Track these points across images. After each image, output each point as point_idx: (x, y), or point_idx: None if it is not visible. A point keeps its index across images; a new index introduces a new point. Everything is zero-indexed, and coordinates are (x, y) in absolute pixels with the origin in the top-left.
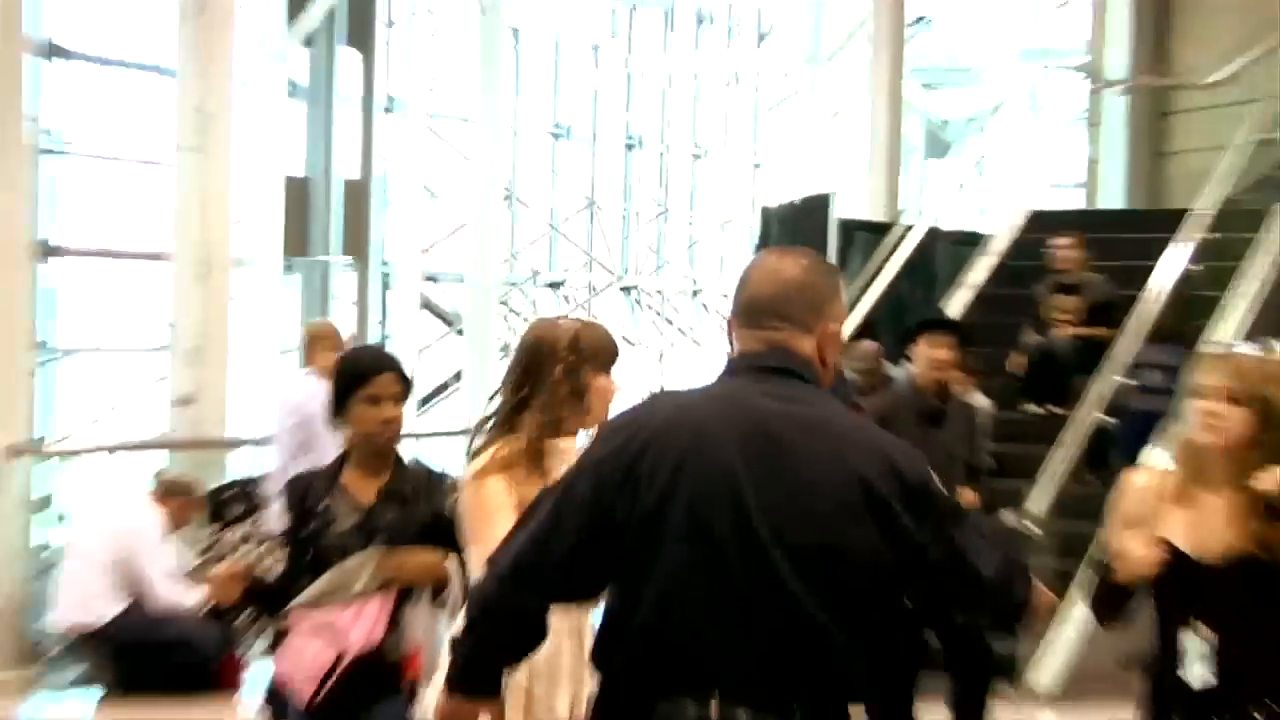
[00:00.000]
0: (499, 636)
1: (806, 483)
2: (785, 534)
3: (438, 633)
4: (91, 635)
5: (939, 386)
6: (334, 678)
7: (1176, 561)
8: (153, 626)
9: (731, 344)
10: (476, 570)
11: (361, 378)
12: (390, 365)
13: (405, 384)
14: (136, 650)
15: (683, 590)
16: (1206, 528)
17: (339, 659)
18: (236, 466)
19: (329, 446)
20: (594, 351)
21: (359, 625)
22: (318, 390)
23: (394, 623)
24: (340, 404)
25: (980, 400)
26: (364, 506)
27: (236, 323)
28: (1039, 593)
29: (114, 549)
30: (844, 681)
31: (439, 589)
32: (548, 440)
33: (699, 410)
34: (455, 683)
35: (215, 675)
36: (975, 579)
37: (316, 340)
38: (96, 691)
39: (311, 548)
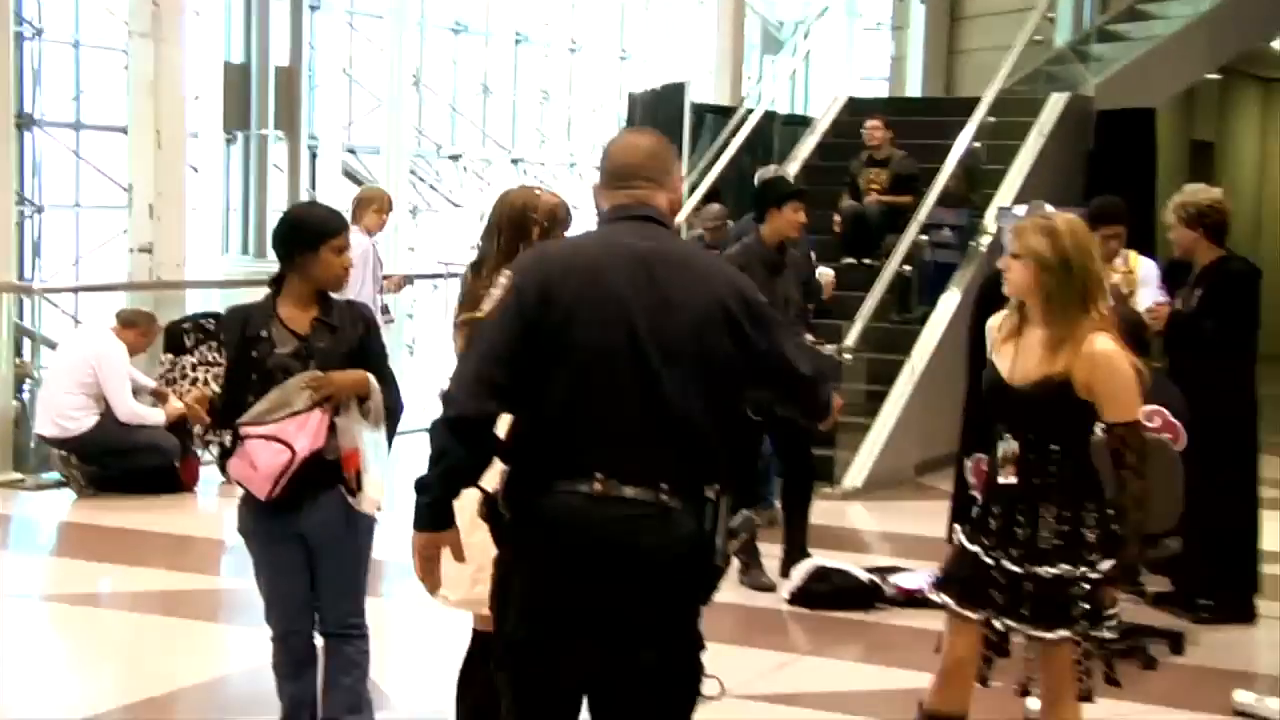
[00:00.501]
0: (470, 449)
1: (679, 304)
2: (664, 346)
3: (365, 437)
4: (68, 443)
5: (780, 242)
6: (287, 477)
7: (995, 382)
8: (120, 435)
9: (599, 205)
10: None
11: (334, 232)
12: (345, 221)
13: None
14: (106, 455)
15: (582, 392)
16: (1023, 357)
17: (290, 462)
18: (192, 305)
19: (370, 291)
20: (562, 220)
21: (304, 434)
22: (361, 242)
23: (331, 429)
24: (307, 251)
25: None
26: (300, 334)
27: (188, 185)
28: (835, 397)
29: (84, 371)
30: (704, 465)
31: (364, 401)
32: None
33: (591, 248)
34: (427, 520)
35: (175, 476)
36: (794, 373)
37: (366, 202)
38: (73, 491)
39: (256, 370)
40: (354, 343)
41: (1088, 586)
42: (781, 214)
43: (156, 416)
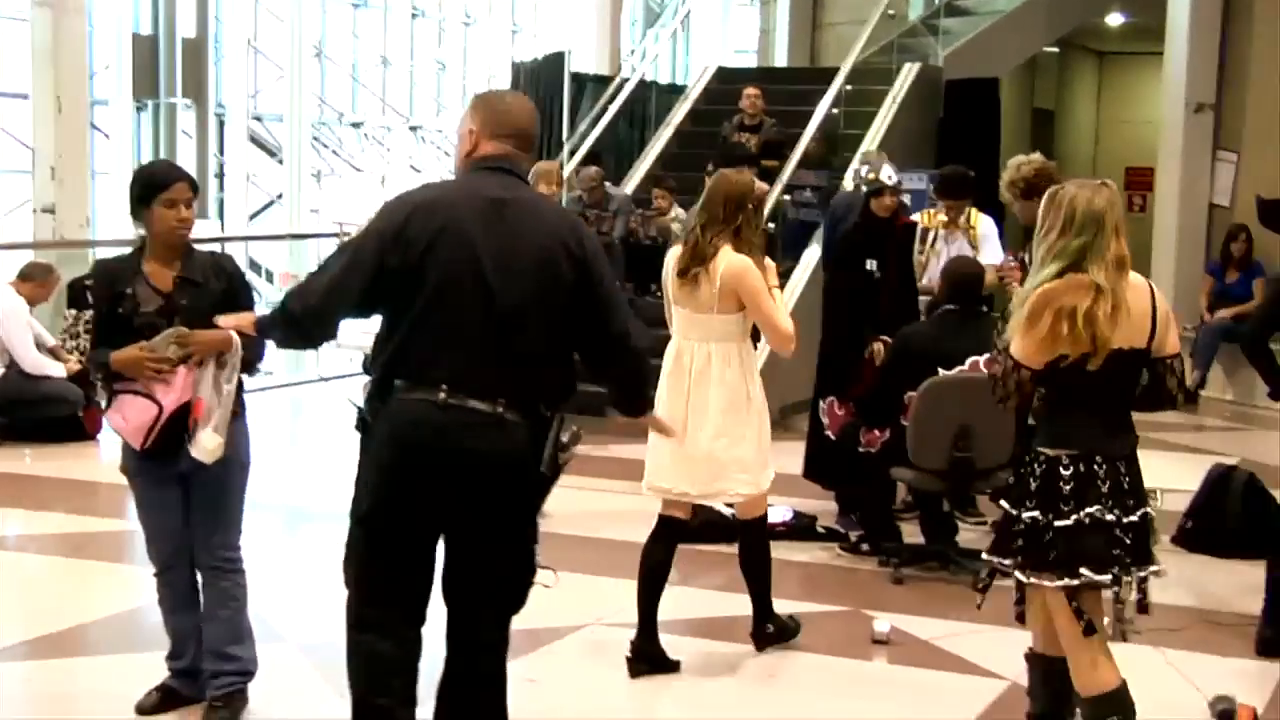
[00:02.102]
0: (297, 338)
1: (525, 242)
2: (508, 279)
3: (222, 388)
4: None
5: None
6: (156, 430)
7: None
8: (25, 387)
9: (472, 147)
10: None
11: (161, 185)
12: (183, 175)
13: (194, 190)
14: (12, 406)
15: (435, 318)
16: None
17: (158, 417)
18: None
19: None
20: (761, 201)
21: (170, 390)
22: None
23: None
24: (142, 206)
25: (678, 211)
26: (164, 291)
27: (99, 149)
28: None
29: None
30: (537, 386)
31: (222, 355)
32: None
33: (450, 194)
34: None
35: (80, 425)
36: (620, 326)
37: (540, 175)
38: None
39: (124, 327)
40: (217, 296)
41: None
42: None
43: (58, 369)
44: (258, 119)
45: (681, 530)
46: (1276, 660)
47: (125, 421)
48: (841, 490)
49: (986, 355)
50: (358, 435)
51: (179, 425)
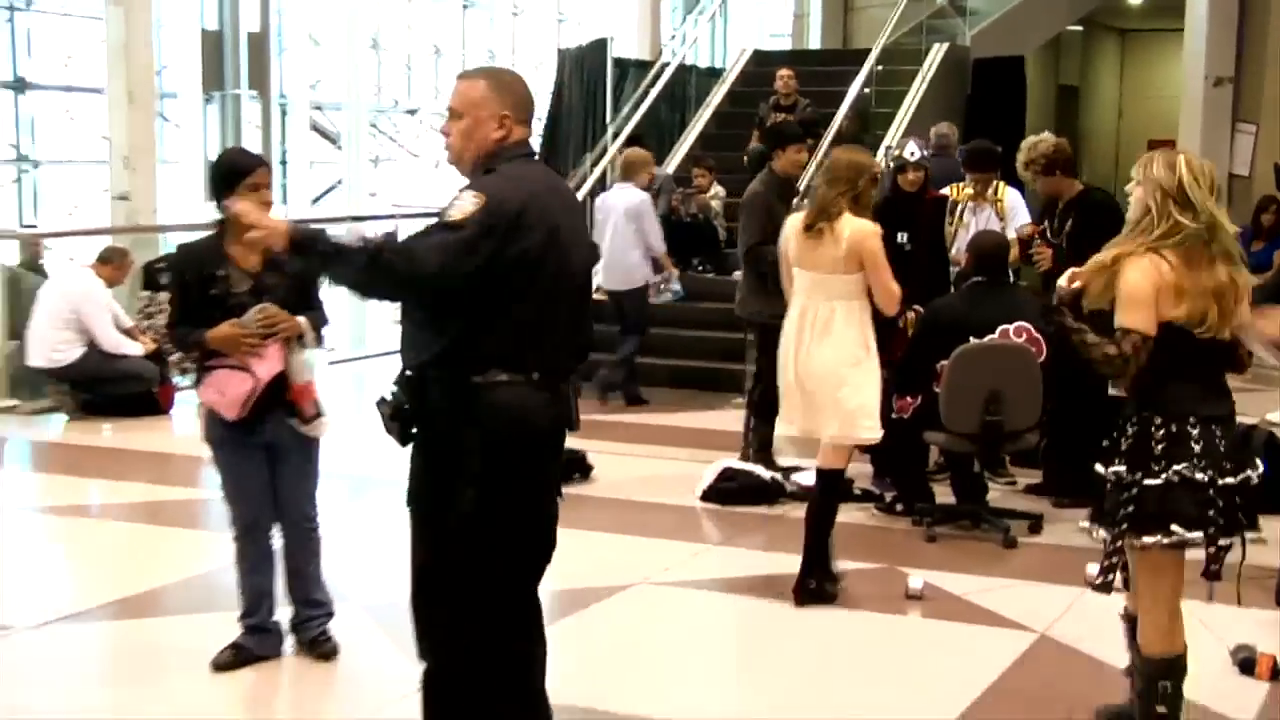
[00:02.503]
0: (389, 291)
1: (582, 237)
2: (580, 272)
3: (312, 368)
4: (57, 373)
5: (792, 176)
6: (252, 400)
7: None
8: (104, 365)
9: (505, 136)
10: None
11: (245, 171)
12: (262, 160)
13: (271, 174)
14: (93, 383)
15: (546, 309)
16: None
17: (254, 388)
18: (167, 246)
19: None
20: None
21: (263, 364)
22: (633, 196)
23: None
24: (228, 192)
25: (717, 189)
26: (253, 273)
27: (170, 139)
28: None
29: (67, 308)
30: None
31: (301, 338)
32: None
33: (541, 185)
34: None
35: (155, 400)
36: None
37: (641, 163)
38: (63, 416)
39: (218, 307)
40: (297, 275)
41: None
42: (785, 154)
43: (135, 348)
44: (318, 108)
45: (838, 478)
46: None
47: (222, 394)
48: (877, 454)
49: (1016, 323)
50: (399, 427)
51: (266, 398)
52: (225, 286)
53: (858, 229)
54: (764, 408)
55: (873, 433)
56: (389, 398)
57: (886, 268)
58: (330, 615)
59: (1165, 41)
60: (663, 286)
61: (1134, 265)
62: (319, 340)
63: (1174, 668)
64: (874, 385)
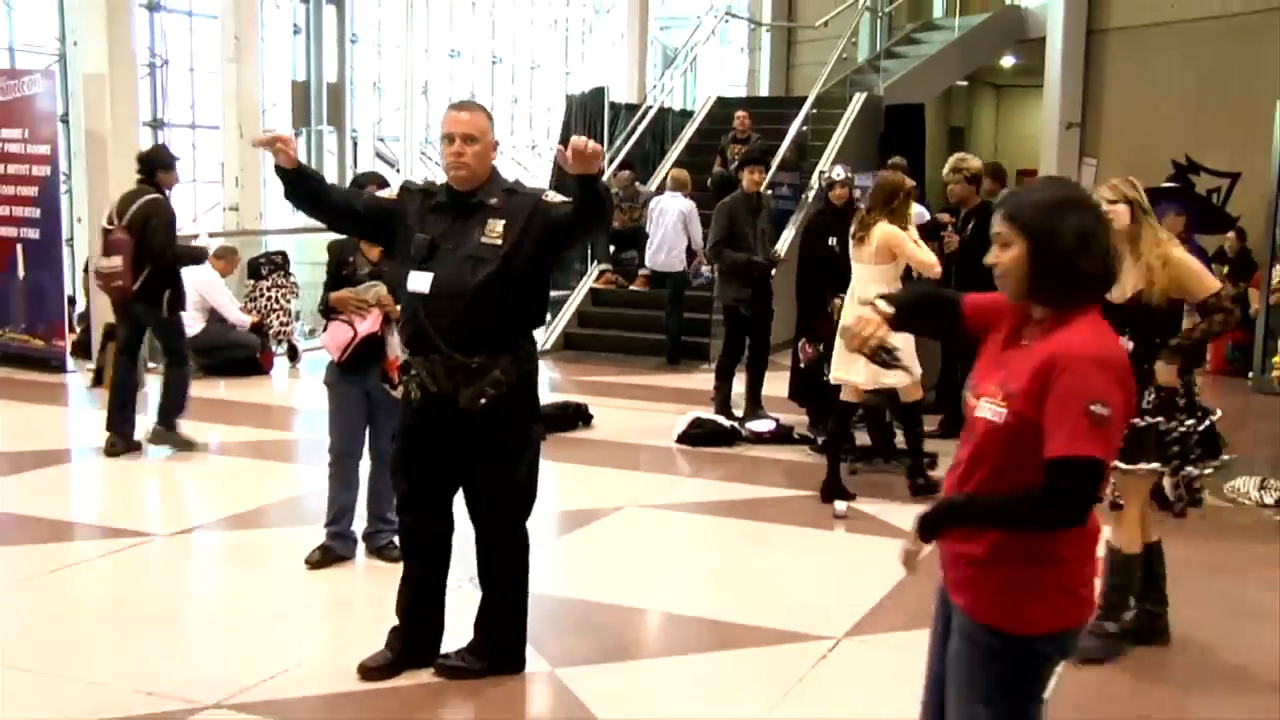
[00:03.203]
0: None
1: None
2: None
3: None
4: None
5: (756, 193)
6: (351, 348)
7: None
8: (219, 335)
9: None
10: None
11: (366, 184)
12: (378, 177)
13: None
14: (211, 350)
15: None
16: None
17: (353, 338)
18: (270, 245)
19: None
20: (912, 189)
21: (364, 322)
22: (682, 204)
23: (387, 328)
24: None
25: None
26: (374, 261)
27: (269, 164)
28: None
29: (195, 292)
30: None
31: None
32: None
33: None
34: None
35: (257, 364)
36: None
37: (683, 180)
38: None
39: (347, 283)
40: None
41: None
42: (748, 175)
43: (246, 320)
44: (381, 139)
45: (852, 410)
46: None
47: (331, 338)
48: (812, 406)
49: None
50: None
51: (369, 352)
52: (353, 269)
53: (885, 232)
54: (725, 372)
55: (899, 381)
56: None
57: (913, 248)
58: (395, 529)
59: (1029, 94)
60: (699, 271)
61: (1177, 248)
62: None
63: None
64: (903, 344)
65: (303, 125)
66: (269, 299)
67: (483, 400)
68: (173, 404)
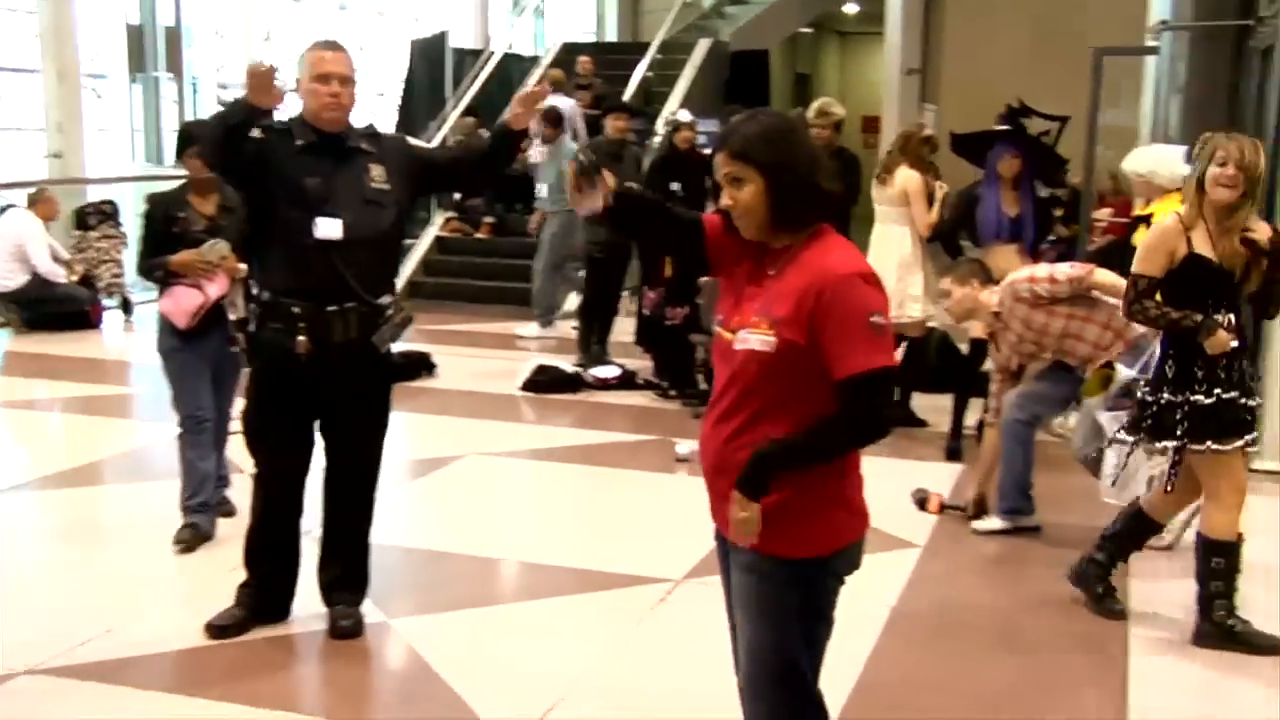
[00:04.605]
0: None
1: None
2: None
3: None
4: (5, 295)
5: (619, 139)
6: (201, 313)
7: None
8: (44, 289)
9: None
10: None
11: (195, 139)
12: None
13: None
14: (35, 303)
15: None
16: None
17: (204, 303)
18: (93, 196)
19: None
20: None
21: (213, 285)
22: None
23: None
24: (180, 155)
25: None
26: (209, 215)
27: (103, 111)
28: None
29: (11, 243)
30: None
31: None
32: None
33: None
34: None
35: (87, 318)
36: None
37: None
38: (11, 331)
39: (180, 240)
40: (243, 221)
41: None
42: (611, 121)
43: (59, 275)
44: (223, 86)
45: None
46: (956, 463)
47: (176, 305)
48: (656, 352)
49: None
50: None
51: (211, 316)
52: (184, 225)
53: (905, 176)
54: (587, 313)
55: (919, 311)
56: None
57: (919, 204)
58: (227, 484)
59: (872, 41)
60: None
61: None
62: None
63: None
64: (919, 280)
65: (139, 71)
66: (99, 250)
67: (392, 341)
68: None
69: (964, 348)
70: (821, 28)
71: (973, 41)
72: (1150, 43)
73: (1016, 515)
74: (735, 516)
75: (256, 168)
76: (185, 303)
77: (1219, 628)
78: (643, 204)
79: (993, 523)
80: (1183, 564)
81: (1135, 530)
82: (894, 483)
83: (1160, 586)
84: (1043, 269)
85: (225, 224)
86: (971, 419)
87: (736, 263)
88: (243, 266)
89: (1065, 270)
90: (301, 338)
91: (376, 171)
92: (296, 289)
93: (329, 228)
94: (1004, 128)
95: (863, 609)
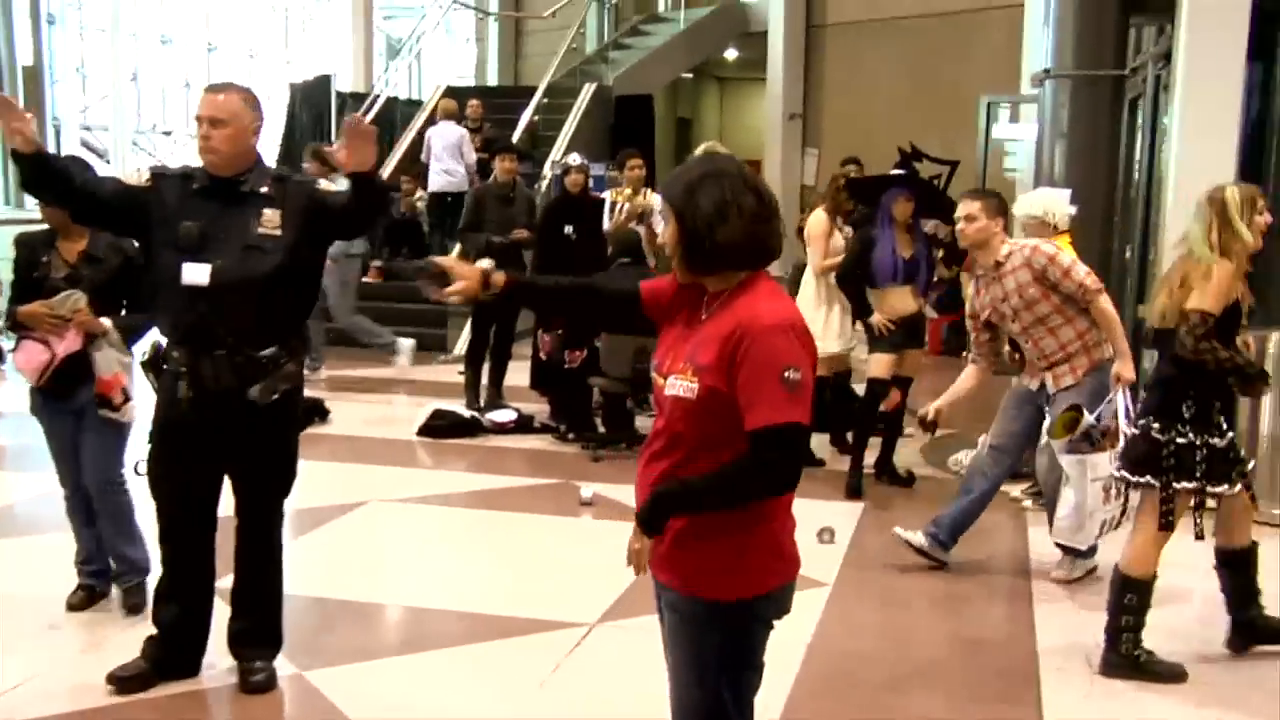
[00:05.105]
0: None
1: None
2: None
3: (122, 362)
4: None
5: (509, 181)
6: (50, 370)
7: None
8: None
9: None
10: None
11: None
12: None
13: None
14: None
15: None
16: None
17: (51, 360)
18: None
19: None
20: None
21: (62, 342)
22: None
23: (89, 342)
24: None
25: (421, 193)
26: (71, 263)
27: None
28: None
29: None
30: None
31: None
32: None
33: None
34: None
35: None
36: None
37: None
38: None
39: (39, 288)
40: (115, 270)
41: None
42: (498, 163)
43: None
44: (87, 128)
45: (884, 388)
46: (856, 501)
47: (25, 360)
48: (553, 395)
49: None
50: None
51: (73, 371)
52: (45, 272)
53: (811, 220)
54: (473, 359)
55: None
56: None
57: (816, 245)
58: (145, 573)
59: (753, 86)
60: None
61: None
62: (123, 343)
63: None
64: (819, 317)
65: None
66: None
67: (274, 395)
68: None
69: (859, 389)
70: (702, 73)
71: (853, 87)
72: (1032, 90)
73: (937, 547)
74: (630, 547)
75: (126, 216)
76: (32, 358)
77: (1125, 659)
78: (556, 293)
79: (916, 537)
80: (1089, 590)
81: (1135, 596)
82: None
83: (1067, 615)
84: (1066, 257)
85: (86, 273)
86: (870, 458)
87: (678, 312)
88: (105, 321)
89: (1082, 273)
90: (182, 383)
91: (269, 216)
92: (172, 336)
93: (194, 273)
94: (898, 172)
95: (780, 648)
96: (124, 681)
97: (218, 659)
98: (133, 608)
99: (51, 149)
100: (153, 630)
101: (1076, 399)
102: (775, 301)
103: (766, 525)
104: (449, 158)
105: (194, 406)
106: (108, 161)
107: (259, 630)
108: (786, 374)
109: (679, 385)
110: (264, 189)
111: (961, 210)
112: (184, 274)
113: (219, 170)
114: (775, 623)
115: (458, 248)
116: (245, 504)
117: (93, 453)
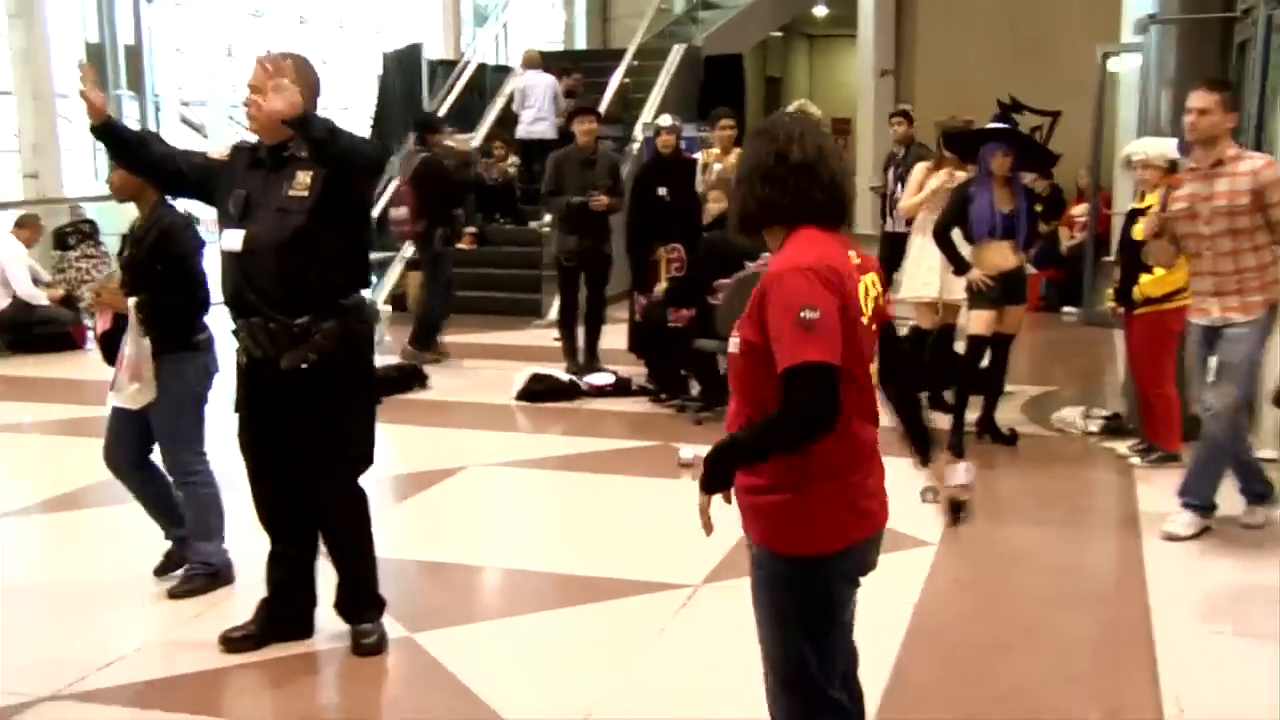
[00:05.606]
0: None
1: None
2: None
3: (139, 342)
4: None
5: (590, 145)
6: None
7: None
8: (27, 311)
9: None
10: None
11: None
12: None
13: None
14: (18, 326)
15: None
16: None
17: (97, 336)
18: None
19: None
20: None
21: (100, 320)
22: None
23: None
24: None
25: (513, 158)
26: (128, 239)
27: (65, 130)
28: None
29: None
30: None
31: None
32: None
33: None
34: None
35: (70, 339)
36: None
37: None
38: None
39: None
40: (148, 249)
41: None
42: (577, 126)
43: (41, 298)
44: (186, 104)
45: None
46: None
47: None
48: (650, 358)
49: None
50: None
51: (113, 354)
52: (121, 248)
53: (916, 167)
54: (565, 322)
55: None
56: None
57: (911, 189)
58: (212, 571)
59: (843, 44)
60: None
61: None
62: (142, 327)
63: None
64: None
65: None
66: (79, 270)
67: (304, 365)
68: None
69: (960, 346)
70: (791, 31)
71: (947, 42)
72: (1136, 38)
73: (1257, 500)
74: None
75: (200, 186)
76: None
77: None
78: None
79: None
80: (1200, 546)
81: None
82: (900, 481)
83: (1179, 573)
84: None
85: (126, 254)
86: (972, 415)
87: None
88: (130, 301)
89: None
90: (238, 349)
91: (301, 178)
92: (227, 301)
93: (231, 239)
94: (996, 125)
95: (885, 609)
96: (234, 642)
97: (332, 622)
98: (176, 593)
99: (153, 127)
100: (260, 594)
101: (1250, 340)
102: (798, 248)
103: (838, 480)
104: (542, 103)
105: (248, 373)
106: (205, 136)
107: (354, 593)
108: (802, 314)
109: (732, 343)
110: (303, 152)
111: (1195, 102)
112: (224, 240)
113: (267, 137)
114: (862, 580)
115: None
116: (312, 469)
117: (159, 443)
